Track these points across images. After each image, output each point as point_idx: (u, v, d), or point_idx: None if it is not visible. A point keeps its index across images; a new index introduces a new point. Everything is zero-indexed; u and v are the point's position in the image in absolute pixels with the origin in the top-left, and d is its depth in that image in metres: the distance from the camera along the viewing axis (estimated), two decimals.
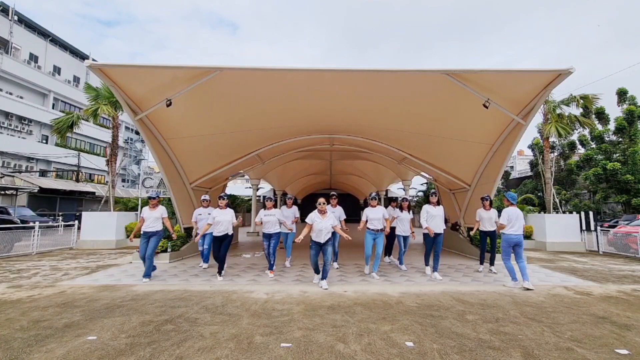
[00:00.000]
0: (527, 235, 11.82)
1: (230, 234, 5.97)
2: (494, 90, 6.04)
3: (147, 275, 5.83)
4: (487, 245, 6.93)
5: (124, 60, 45.84)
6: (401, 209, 7.08)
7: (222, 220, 5.87)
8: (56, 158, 26.87)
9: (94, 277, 6.19)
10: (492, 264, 6.88)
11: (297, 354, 2.97)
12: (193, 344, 3.17)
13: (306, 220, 5.38)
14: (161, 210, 6.04)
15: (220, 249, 5.94)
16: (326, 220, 5.26)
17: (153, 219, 5.93)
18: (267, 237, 6.22)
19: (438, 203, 6.39)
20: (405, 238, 7.02)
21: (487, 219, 6.57)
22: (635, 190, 17.05)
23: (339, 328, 3.60)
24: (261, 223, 6.23)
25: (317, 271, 5.58)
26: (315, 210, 5.35)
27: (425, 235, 6.29)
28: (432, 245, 6.25)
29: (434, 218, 6.19)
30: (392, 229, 6.88)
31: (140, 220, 6.03)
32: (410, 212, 7.19)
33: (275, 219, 6.22)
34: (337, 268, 6.98)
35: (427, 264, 6.44)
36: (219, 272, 6.02)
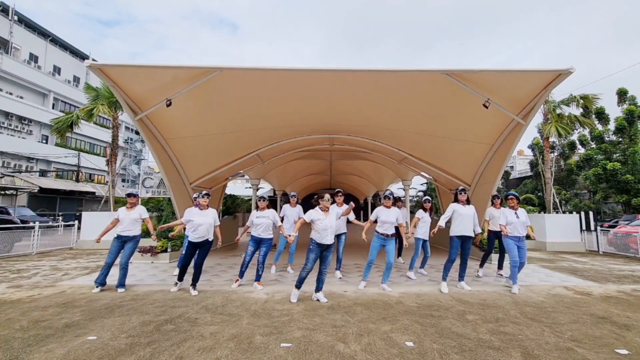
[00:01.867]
0: (527, 235, 11.78)
1: (210, 239, 5.09)
2: (494, 90, 6.04)
3: (121, 285, 5.16)
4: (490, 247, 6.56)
5: (124, 60, 45.85)
6: (424, 210, 6.50)
7: (202, 223, 4.94)
8: (56, 158, 26.86)
9: (94, 277, 6.17)
10: (500, 267, 6.47)
11: (297, 354, 2.97)
12: (193, 344, 3.17)
13: (304, 217, 4.73)
14: (140, 211, 5.28)
15: (197, 257, 5.03)
16: (331, 218, 4.57)
17: (130, 221, 5.16)
18: (256, 242, 5.39)
19: (468, 201, 5.48)
20: (424, 242, 6.50)
21: (498, 218, 6.06)
22: (635, 190, 17.05)
23: (339, 328, 3.60)
24: (247, 228, 5.50)
25: (300, 284, 4.61)
26: (317, 208, 4.65)
27: (453, 240, 5.31)
28: (457, 254, 5.33)
29: (462, 218, 5.28)
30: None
31: (113, 222, 5.24)
32: (432, 214, 6.64)
33: (270, 222, 5.38)
34: (340, 278, 6.10)
35: (445, 278, 5.31)
36: (193, 285, 5.05)
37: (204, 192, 5.20)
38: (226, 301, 4.61)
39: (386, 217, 5.22)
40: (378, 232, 5.29)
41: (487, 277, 6.32)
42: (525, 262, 5.44)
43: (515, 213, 5.36)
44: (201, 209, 5.06)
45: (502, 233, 5.42)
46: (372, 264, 5.37)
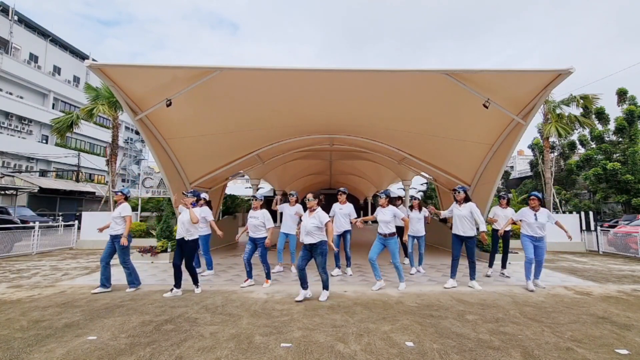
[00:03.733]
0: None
1: (187, 239, 4.94)
2: (494, 90, 6.04)
3: (128, 283, 5.26)
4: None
5: (124, 60, 45.76)
6: (411, 208, 6.95)
7: (182, 220, 4.97)
8: (56, 158, 26.85)
9: (94, 277, 6.18)
10: (504, 266, 6.53)
11: (297, 354, 2.97)
12: (193, 344, 3.17)
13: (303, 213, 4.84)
14: (120, 209, 5.24)
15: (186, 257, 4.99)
16: (311, 218, 4.59)
17: (111, 218, 5.25)
18: (252, 241, 5.41)
19: (466, 200, 5.53)
20: (418, 238, 6.84)
21: (503, 217, 6.28)
22: (635, 190, 17.06)
23: (338, 328, 3.60)
24: (247, 228, 5.54)
25: (303, 282, 4.64)
26: (318, 208, 4.76)
27: (452, 239, 5.56)
28: (458, 252, 5.50)
29: (456, 218, 5.53)
30: (401, 229, 6.19)
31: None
32: (422, 211, 6.92)
33: (259, 222, 5.36)
34: (352, 275, 6.35)
35: (452, 276, 5.54)
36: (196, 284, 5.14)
37: (188, 191, 5.31)
38: (226, 301, 4.61)
39: (382, 217, 5.33)
40: (378, 233, 5.41)
41: (487, 277, 6.31)
42: (543, 261, 5.50)
43: (535, 214, 5.38)
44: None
45: (498, 232, 6.01)
46: (370, 260, 5.30)
